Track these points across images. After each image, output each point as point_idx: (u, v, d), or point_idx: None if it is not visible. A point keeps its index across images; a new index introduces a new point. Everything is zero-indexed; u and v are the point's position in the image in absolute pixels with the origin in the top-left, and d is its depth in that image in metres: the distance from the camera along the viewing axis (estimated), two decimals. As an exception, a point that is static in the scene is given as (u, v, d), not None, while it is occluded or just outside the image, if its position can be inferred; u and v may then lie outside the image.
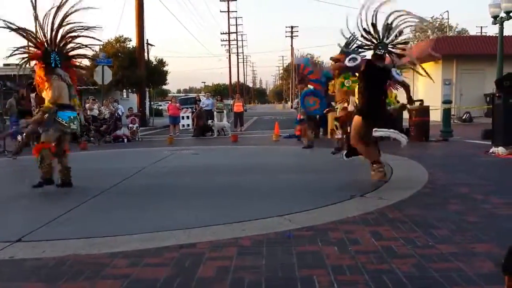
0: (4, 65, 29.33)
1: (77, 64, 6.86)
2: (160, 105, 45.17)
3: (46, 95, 6.10)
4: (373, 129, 5.76)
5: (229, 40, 61.96)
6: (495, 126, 9.16)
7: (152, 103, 32.60)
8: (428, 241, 3.39)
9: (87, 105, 17.61)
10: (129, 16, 32.90)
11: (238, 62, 70.43)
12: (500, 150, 8.38)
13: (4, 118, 14.85)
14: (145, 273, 2.95)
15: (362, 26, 5.72)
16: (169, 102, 22.52)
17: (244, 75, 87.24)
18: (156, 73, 27.66)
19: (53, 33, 6.12)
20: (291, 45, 68.98)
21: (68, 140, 6.57)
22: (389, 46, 5.85)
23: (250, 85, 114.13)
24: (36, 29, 6.26)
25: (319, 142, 12.81)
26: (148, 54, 28.55)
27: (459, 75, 22.26)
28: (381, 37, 5.77)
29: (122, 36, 26.86)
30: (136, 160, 9.41)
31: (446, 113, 12.45)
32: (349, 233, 3.65)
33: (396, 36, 5.81)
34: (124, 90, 28.67)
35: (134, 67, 24.77)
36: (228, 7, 60.13)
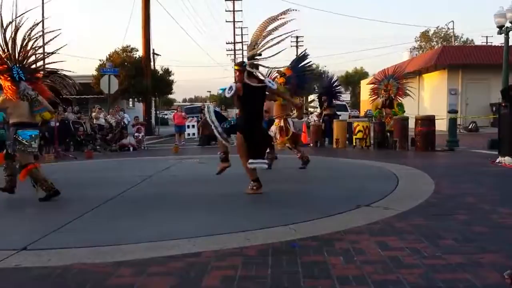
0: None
1: (43, 77, 6.74)
2: (166, 114, 45.36)
3: (10, 112, 6.15)
4: (248, 161, 6.02)
5: (234, 50, 62.17)
6: (502, 135, 9.11)
7: (157, 112, 32.75)
8: (435, 252, 3.37)
9: (93, 114, 17.72)
10: (136, 26, 33.15)
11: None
12: (507, 160, 8.33)
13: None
14: (150, 282, 2.94)
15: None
16: (175, 111, 22.60)
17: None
18: (162, 82, 27.82)
19: (14, 46, 6.12)
20: (296, 55, 69.11)
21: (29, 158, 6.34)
22: (253, 61, 6.11)
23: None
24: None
25: (324, 151, 12.80)
26: (154, 63, 28.80)
27: (464, 85, 22.22)
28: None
29: (129, 46, 27.09)
30: (141, 169, 9.43)
31: (452, 123, 12.42)
32: (355, 243, 3.63)
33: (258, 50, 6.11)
34: (130, 99, 28.82)
35: (140, 77, 24.93)
36: (234, 17, 60.48)
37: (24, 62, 6.24)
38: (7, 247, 3.77)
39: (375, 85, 13.91)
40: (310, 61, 9.13)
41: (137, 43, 27.05)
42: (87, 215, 5.06)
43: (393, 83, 13.16)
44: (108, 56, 26.03)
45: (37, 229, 4.37)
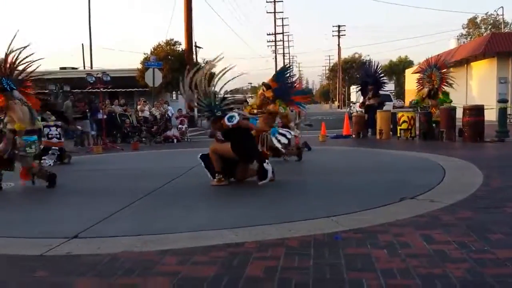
0: (60, 68, 30.75)
1: (29, 87, 7.21)
2: (208, 106, 45.71)
3: (10, 120, 6.44)
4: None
5: (275, 41, 62.10)
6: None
7: (200, 104, 33.09)
8: (483, 246, 3.27)
9: (138, 107, 18.17)
10: (179, 20, 33.56)
11: (284, 63, 70.34)
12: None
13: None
14: (194, 271, 3.00)
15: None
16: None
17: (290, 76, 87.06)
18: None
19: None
20: (338, 45, 68.19)
21: (30, 160, 6.66)
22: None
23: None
24: None
25: (367, 142, 12.61)
26: (196, 56, 29.09)
27: (515, 73, 21.27)
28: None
29: (172, 39, 27.48)
30: (185, 160, 9.59)
31: (502, 113, 11.93)
32: (399, 236, 3.57)
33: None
34: (174, 92, 29.29)
35: (183, 69, 25.26)
36: (275, 8, 60.28)
37: (13, 74, 6.74)
38: (59, 235, 3.95)
39: (420, 75, 13.59)
40: (293, 74, 9.17)
41: (180, 37, 27.42)
42: (133, 205, 5.22)
43: (436, 73, 12.82)
44: (152, 50, 26.54)
45: (87, 218, 4.55)
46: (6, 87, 6.48)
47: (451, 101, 12.83)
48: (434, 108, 12.59)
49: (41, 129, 7.26)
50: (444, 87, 12.96)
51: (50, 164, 9.44)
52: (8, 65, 6.68)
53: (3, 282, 2.97)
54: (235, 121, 6.19)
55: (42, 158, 9.47)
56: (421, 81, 13.44)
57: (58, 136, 10.25)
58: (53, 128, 10.16)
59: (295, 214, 4.39)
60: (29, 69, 6.97)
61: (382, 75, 15.51)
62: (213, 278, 2.85)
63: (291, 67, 9.06)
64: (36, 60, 6.92)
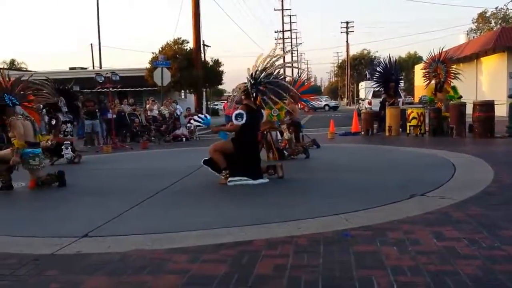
0: (70, 68, 30.97)
1: (31, 101, 7.52)
2: (216, 105, 45.93)
3: (13, 136, 6.58)
4: (228, 179, 6.24)
5: (283, 38, 61.95)
6: None
7: (208, 102, 33.21)
8: (494, 242, 3.24)
9: (147, 106, 18.23)
10: (186, 19, 33.60)
11: (292, 61, 70.27)
12: None
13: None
14: (204, 269, 3.02)
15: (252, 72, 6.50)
16: (225, 101, 22.81)
17: (298, 73, 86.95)
18: (212, 74, 28.09)
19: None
20: (347, 41, 67.84)
21: (36, 172, 6.79)
22: (259, 85, 6.44)
23: (305, 82, 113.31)
24: None
25: (377, 139, 12.55)
26: (204, 55, 29.12)
27: (526, 68, 21.03)
28: (257, 79, 6.45)
29: (180, 38, 27.51)
30: (194, 159, 9.59)
31: (513, 108, 11.81)
32: (409, 233, 3.56)
33: (265, 76, 6.48)
34: (182, 91, 29.36)
35: (192, 68, 25.31)
36: (282, 5, 60.15)
37: (14, 89, 6.88)
38: (69, 234, 3.98)
39: (426, 70, 13.48)
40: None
41: (188, 35, 27.44)
42: (143, 203, 5.24)
43: (441, 66, 12.73)
44: (160, 49, 26.61)
45: (97, 217, 4.58)
46: (9, 103, 6.65)
47: (461, 97, 12.72)
48: (440, 102, 12.50)
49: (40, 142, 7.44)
50: (450, 80, 12.87)
51: (70, 157, 9.90)
52: (9, 80, 6.88)
53: (15, 281, 3.00)
54: (241, 121, 6.23)
55: (62, 153, 9.80)
56: (427, 75, 13.38)
57: (72, 133, 10.48)
58: (69, 125, 10.27)
59: (303, 212, 4.38)
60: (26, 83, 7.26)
61: (400, 73, 15.07)
62: (223, 276, 2.86)
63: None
64: (30, 72, 7.32)
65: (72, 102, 10.38)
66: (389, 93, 14.23)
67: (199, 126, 6.99)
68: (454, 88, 12.84)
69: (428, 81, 13.34)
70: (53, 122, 10.03)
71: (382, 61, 15.16)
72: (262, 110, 6.96)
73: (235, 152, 6.33)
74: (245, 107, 6.38)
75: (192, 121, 7.34)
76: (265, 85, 6.47)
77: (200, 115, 7.09)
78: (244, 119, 6.24)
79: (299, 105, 9.77)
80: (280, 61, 6.78)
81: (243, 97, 6.64)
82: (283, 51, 62.50)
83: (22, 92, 7.04)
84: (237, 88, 7.13)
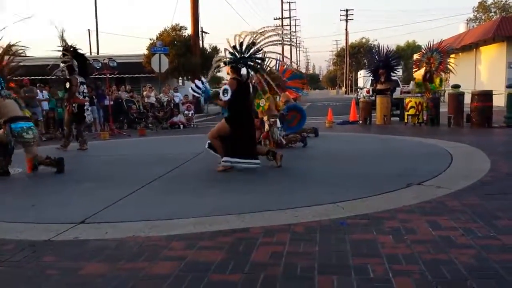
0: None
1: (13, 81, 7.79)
2: (214, 92, 45.65)
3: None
4: (222, 159, 6.35)
5: (282, 26, 61.54)
6: None
7: (207, 90, 33.01)
8: (489, 232, 3.26)
9: (144, 93, 18.17)
10: (185, 5, 33.36)
11: (291, 48, 69.82)
12: None
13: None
14: (200, 256, 3.03)
15: (233, 44, 6.41)
16: (223, 89, 22.71)
17: (297, 60, 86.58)
18: (211, 61, 27.88)
19: None
20: (346, 29, 67.50)
21: (32, 148, 6.82)
22: (248, 60, 6.41)
23: (303, 70, 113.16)
24: None
25: (374, 128, 12.56)
26: (202, 41, 28.93)
27: (525, 58, 20.98)
28: (243, 53, 6.38)
29: (178, 24, 27.31)
30: (191, 146, 9.61)
31: (510, 98, 11.79)
32: (405, 222, 3.57)
33: (254, 52, 6.43)
34: (180, 78, 29.25)
35: (190, 55, 25.19)
36: (282, -8, 59.64)
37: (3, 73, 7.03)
38: (67, 221, 3.99)
39: (418, 57, 13.57)
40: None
41: (186, 22, 27.26)
42: (141, 190, 5.25)
43: (437, 56, 12.74)
44: (158, 35, 26.44)
45: (94, 204, 4.58)
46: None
47: (442, 87, 12.91)
48: (427, 92, 12.54)
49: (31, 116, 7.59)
50: (441, 72, 12.93)
51: (91, 118, 10.37)
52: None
53: (11, 267, 3.00)
54: (227, 97, 6.21)
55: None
56: (418, 63, 13.49)
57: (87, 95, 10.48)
58: (85, 86, 10.14)
59: (301, 200, 4.39)
60: (12, 64, 7.30)
61: (394, 58, 15.14)
62: (220, 263, 2.87)
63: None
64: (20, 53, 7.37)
65: (83, 62, 10.09)
66: (380, 81, 14.39)
67: (197, 95, 6.78)
68: (441, 80, 12.89)
69: (417, 68, 13.54)
70: (67, 85, 9.82)
71: (374, 50, 15.30)
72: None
73: (230, 132, 6.32)
74: (232, 82, 6.27)
75: (190, 89, 7.15)
76: (255, 61, 6.42)
77: (197, 81, 6.79)
78: (229, 95, 6.18)
79: (290, 94, 9.70)
80: (269, 42, 6.51)
81: (229, 71, 6.47)
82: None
83: (9, 76, 7.13)
84: (216, 61, 6.90)
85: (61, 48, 9.79)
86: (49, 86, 15.09)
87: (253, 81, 6.95)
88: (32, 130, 6.72)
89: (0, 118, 6.57)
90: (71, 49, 9.81)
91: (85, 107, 9.93)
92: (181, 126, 16.28)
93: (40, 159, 6.74)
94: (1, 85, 6.77)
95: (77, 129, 10.26)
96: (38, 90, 14.51)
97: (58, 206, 4.70)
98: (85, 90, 10.06)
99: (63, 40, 9.72)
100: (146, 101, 17.45)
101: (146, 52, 25.30)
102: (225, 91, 6.24)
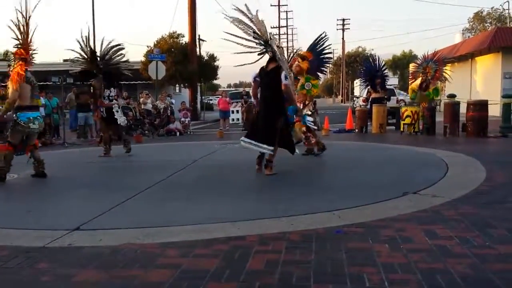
0: (64, 60, 30.74)
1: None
2: (211, 100, 45.81)
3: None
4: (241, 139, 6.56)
5: (279, 34, 61.79)
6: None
7: (203, 97, 33.12)
8: (485, 241, 3.26)
9: (141, 100, 18.15)
10: (182, 13, 33.51)
11: (288, 57, 70.08)
12: None
13: (64, 111, 15.57)
14: (195, 264, 3.01)
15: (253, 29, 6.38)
16: (220, 96, 22.79)
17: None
18: (208, 68, 28.03)
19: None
20: (342, 38, 67.82)
21: (35, 136, 6.88)
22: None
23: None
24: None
25: (370, 137, 12.58)
26: (200, 49, 29.04)
27: (520, 68, 21.12)
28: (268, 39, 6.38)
29: (175, 32, 27.40)
30: (187, 153, 9.61)
31: (506, 108, 11.87)
32: (401, 231, 3.57)
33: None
34: (177, 85, 29.28)
35: (187, 62, 25.24)
36: (279, 1, 59.98)
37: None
38: (61, 227, 3.96)
39: (414, 69, 13.77)
40: (329, 44, 8.92)
41: (184, 29, 27.32)
42: (136, 197, 5.23)
43: (432, 65, 12.86)
44: (155, 42, 26.48)
45: (89, 210, 4.56)
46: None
47: (438, 96, 13.02)
48: (424, 102, 12.63)
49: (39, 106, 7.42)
50: (437, 81, 13.06)
51: (123, 120, 9.82)
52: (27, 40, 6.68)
53: (5, 274, 2.98)
54: (288, 81, 6.28)
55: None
56: (414, 74, 13.69)
57: (114, 97, 9.81)
58: (112, 89, 9.66)
59: (296, 208, 4.39)
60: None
61: (385, 69, 15.65)
62: (215, 271, 2.85)
63: (326, 35, 8.67)
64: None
65: (109, 67, 9.64)
66: (376, 89, 14.68)
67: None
68: (436, 89, 13.00)
69: (413, 79, 13.68)
70: (91, 89, 9.63)
71: (369, 60, 15.62)
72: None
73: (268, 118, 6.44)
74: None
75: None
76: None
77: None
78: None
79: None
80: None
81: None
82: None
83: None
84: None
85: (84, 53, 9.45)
86: (45, 92, 15.04)
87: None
88: (39, 120, 6.70)
89: (15, 101, 6.44)
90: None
91: (113, 110, 9.57)
92: (178, 133, 16.26)
93: (36, 156, 6.72)
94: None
95: (117, 134, 10.00)
96: None
97: (53, 213, 4.68)
98: (112, 94, 9.61)
99: (87, 45, 9.41)
100: (142, 108, 17.43)
101: (143, 59, 25.33)
102: (286, 76, 6.33)
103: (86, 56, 9.35)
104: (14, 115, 6.54)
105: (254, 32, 6.36)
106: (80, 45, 9.26)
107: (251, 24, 6.37)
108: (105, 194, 5.50)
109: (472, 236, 3.38)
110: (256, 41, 6.39)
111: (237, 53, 6.46)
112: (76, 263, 3.12)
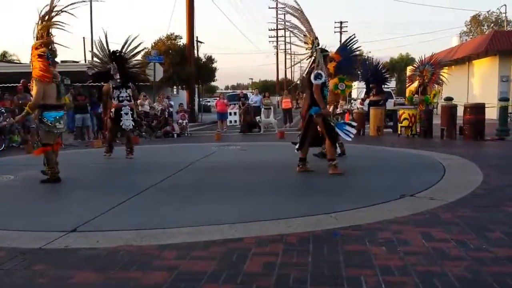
0: (61, 61, 30.66)
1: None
2: (209, 101, 45.85)
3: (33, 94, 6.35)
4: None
5: (277, 37, 61.84)
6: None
7: (200, 99, 33.12)
8: (482, 244, 3.27)
9: (138, 101, 18.12)
10: (180, 14, 33.50)
11: (285, 59, 70.07)
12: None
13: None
14: (192, 266, 3.01)
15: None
16: (217, 98, 22.78)
17: (291, 71, 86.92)
18: (205, 70, 28.05)
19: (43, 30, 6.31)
20: (340, 41, 67.88)
21: (57, 136, 6.78)
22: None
23: (298, 82, 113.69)
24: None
25: (367, 139, 12.59)
26: (197, 51, 29.03)
27: (517, 72, 21.21)
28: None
29: (173, 33, 27.46)
30: (185, 155, 9.60)
31: (503, 111, 11.93)
32: (398, 234, 3.57)
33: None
34: (175, 87, 29.27)
35: (184, 64, 25.24)
36: (277, 4, 60.03)
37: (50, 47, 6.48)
38: (58, 229, 3.95)
39: (411, 72, 13.87)
40: (359, 46, 8.94)
41: (181, 31, 27.36)
42: (133, 199, 5.22)
43: (429, 69, 12.91)
44: (153, 44, 26.48)
45: (86, 212, 4.55)
46: (50, 60, 6.33)
47: (435, 100, 13.10)
48: (421, 105, 12.66)
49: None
50: (435, 84, 13.14)
51: (129, 124, 9.42)
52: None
53: (2, 275, 2.97)
54: (319, 81, 6.23)
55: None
56: (411, 77, 13.75)
57: (128, 98, 9.48)
58: (123, 90, 9.32)
59: (294, 211, 4.39)
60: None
61: (385, 71, 15.64)
62: (212, 273, 2.85)
63: (355, 37, 8.62)
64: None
65: (124, 66, 9.32)
66: (372, 93, 14.88)
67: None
68: (435, 94, 13.11)
69: (410, 83, 13.83)
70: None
71: (366, 63, 15.68)
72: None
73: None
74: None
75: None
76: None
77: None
78: (323, 78, 6.38)
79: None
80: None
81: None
82: (277, 49, 62.56)
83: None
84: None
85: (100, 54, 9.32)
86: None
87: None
88: (63, 119, 6.59)
89: (38, 101, 6.20)
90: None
91: (121, 112, 9.26)
92: (175, 135, 16.25)
93: (48, 156, 6.47)
94: (50, 58, 6.36)
95: (125, 135, 9.89)
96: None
97: (50, 214, 4.67)
98: (122, 94, 9.28)
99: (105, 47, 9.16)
100: (140, 109, 17.41)
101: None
102: (318, 75, 6.25)
103: (104, 59, 9.16)
104: (39, 115, 6.30)
105: (305, 36, 6.52)
106: (98, 47, 9.14)
107: (301, 27, 6.53)
108: (102, 196, 5.49)
109: (469, 239, 3.38)
110: (306, 45, 6.57)
111: (294, 64, 6.79)
112: (73, 265, 3.11)
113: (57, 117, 6.39)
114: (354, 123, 7.10)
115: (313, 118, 6.51)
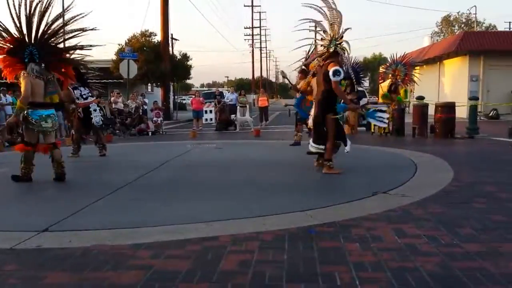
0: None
1: (68, 57, 6.82)
2: (184, 99, 45.53)
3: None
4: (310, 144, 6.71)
5: (252, 35, 61.97)
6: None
7: (176, 97, 32.87)
8: (453, 240, 3.35)
9: (112, 99, 17.89)
10: (155, 11, 33.13)
11: (261, 57, 70.27)
12: (529, 148, 8.18)
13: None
14: (167, 265, 2.99)
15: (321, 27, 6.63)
16: (193, 96, 22.66)
17: (267, 70, 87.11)
18: (180, 68, 27.85)
19: (34, 26, 6.08)
20: (315, 40, 68.35)
21: (53, 134, 6.53)
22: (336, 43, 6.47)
23: (273, 80, 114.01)
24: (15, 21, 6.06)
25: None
26: (172, 48, 28.79)
27: (486, 71, 21.82)
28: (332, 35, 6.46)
29: (148, 30, 27.18)
30: (159, 153, 9.52)
31: (473, 110, 12.24)
32: (371, 230, 3.63)
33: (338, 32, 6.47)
34: (149, 84, 28.97)
35: (159, 61, 25.00)
36: (252, 2, 60.13)
37: (48, 41, 6.26)
38: (29, 229, 3.86)
39: (383, 70, 14.04)
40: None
41: (156, 28, 27.06)
42: (106, 198, 5.14)
43: (401, 69, 13.11)
44: (127, 41, 26.15)
45: (57, 211, 4.46)
46: (26, 58, 6.09)
47: (406, 98, 13.33)
48: (392, 104, 12.87)
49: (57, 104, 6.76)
50: (407, 84, 13.35)
51: (98, 120, 9.42)
52: (45, 33, 6.19)
53: (-30, 276, 2.89)
54: (338, 78, 6.15)
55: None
56: (383, 75, 13.93)
57: (90, 95, 9.41)
58: (82, 89, 9.17)
59: (269, 208, 4.40)
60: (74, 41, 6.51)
61: (360, 71, 15.65)
62: (187, 272, 2.84)
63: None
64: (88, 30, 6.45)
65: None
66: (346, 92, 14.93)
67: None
68: (405, 92, 13.31)
69: (382, 80, 14.00)
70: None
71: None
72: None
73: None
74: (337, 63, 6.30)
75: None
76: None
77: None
78: (342, 75, 6.23)
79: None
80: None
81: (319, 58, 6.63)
82: (253, 47, 62.47)
83: (60, 46, 6.47)
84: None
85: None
86: (12, 90, 14.64)
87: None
88: (51, 118, 6.29)
89: (28, 94, 5.96)
90: None
91: (90, 109, 9.21)
92: (150, 133, 16.10)
93: (57, 155, 6.31)
94: (32, 56, 6.11)
95: (95, 135, 9.71)
96: (1, 94, 14.11)
97: (21, 214, 4.56)
98: (83, 93, 9.13)
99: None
100: (113, 107, 17.18)
101: (114, 57, 24.97)
102: (337, 72, 6.14)
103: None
104: (25, 112, 6.05)
105: (324, 32, 6.58)
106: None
107: (324, 23, 6.59)
108: (75, 195, 5.40)
109: (440, 235, 3.46)
110: (322, 42, 6.62)
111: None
112: (45, 265, 3.05)
113: (43, 116, 6.16)
114: (384, 108, 7.11)
115: (328, 117, 6.40)
